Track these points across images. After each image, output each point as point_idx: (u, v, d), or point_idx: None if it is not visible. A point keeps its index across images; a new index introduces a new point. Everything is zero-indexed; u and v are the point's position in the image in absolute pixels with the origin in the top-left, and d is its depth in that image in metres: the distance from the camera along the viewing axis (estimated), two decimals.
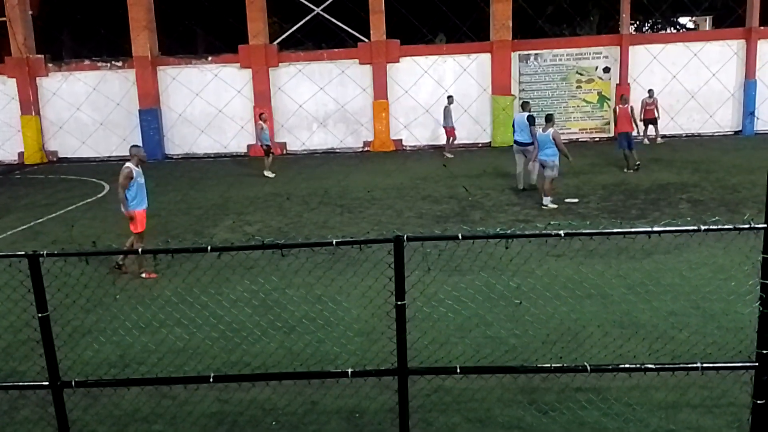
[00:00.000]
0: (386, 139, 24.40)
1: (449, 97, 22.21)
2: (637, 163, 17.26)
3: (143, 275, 9.72)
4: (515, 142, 15.49)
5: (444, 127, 22.27)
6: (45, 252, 4.77)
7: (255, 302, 8.13)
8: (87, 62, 24.80)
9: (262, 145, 19.73)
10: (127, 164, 9.89)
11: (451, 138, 22.18)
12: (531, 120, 14.94)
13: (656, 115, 22.52)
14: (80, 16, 24.85)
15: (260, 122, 19.59)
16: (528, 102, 16.97)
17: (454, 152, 22.32)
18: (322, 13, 24.28)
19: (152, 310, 8.12)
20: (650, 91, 22.64)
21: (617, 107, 18.16)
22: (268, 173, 19.26)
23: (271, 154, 19.58)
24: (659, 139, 22.76)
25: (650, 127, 22.65)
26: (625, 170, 17.23)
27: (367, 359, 6.51)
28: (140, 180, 9.91)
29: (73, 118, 24.86)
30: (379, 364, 5.99)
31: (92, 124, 24.80)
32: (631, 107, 17.97)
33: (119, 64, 24.62)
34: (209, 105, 24.54)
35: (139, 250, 5.42)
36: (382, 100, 24.04)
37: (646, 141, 22.70)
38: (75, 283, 7.01)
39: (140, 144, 10.90)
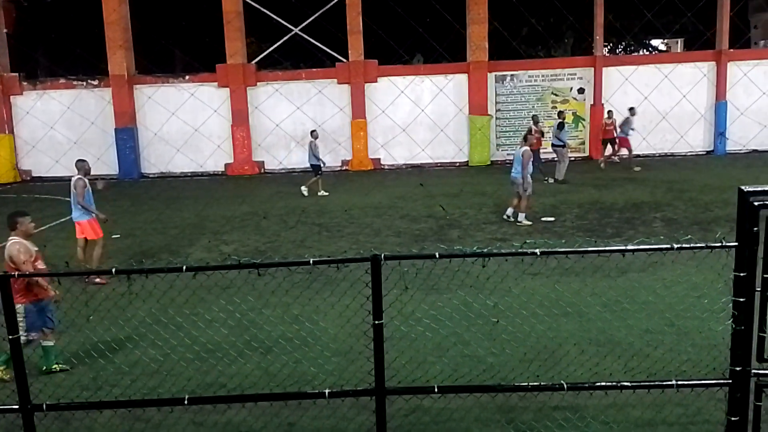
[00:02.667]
0: (364, 158, 24.46)
1: (631, 108, 21.86)
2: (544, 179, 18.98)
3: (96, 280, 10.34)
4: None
5: (619, 137, 21.63)
6: (16, 273, 4.69)
7: (231, 322, 8.05)
8: (62, 81, 24.60)
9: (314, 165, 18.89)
10: (79, 176, 10.81)
11: (625, 149, 21.51)
12: (560, 126, 19.50)
13: (615, 135, 22.95)
14: (55, 35, 24.69)
15: (311, 140, 18.91)
16: (561, 111, 21.16)
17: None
18: (300, 33, 24.39)
19: (125, 331, 8.01)
20: (609, 112, 23.12)
21: (531, 128, 19.04)
22: (321, 192, 18.70)
23: (318, 174, 18.79)
24: (616, 158, 23.16)
25: (609, 147, 23.20)
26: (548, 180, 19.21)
27: (344, 379, 6.46)
28: (90, 189, 10.95)
29: (47, 136, 24.57)
30: (357, 385, 5.95)
31: (67, 143, 24.51)
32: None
33: (95, 82, 24.45)
34: (186, 124, 24.42)
35: (113, 270, 5.34)
36: (360, 120, 24.14)
37: (602, 164, 23.13)
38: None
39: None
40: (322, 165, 19.18)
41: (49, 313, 7.19)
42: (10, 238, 7.18)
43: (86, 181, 10.89)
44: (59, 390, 6.44)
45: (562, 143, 19.48)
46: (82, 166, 11.03)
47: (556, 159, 19.86)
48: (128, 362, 7.23)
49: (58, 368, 7.24)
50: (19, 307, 6.82)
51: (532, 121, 20.05)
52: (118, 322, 8.42)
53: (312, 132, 19.45)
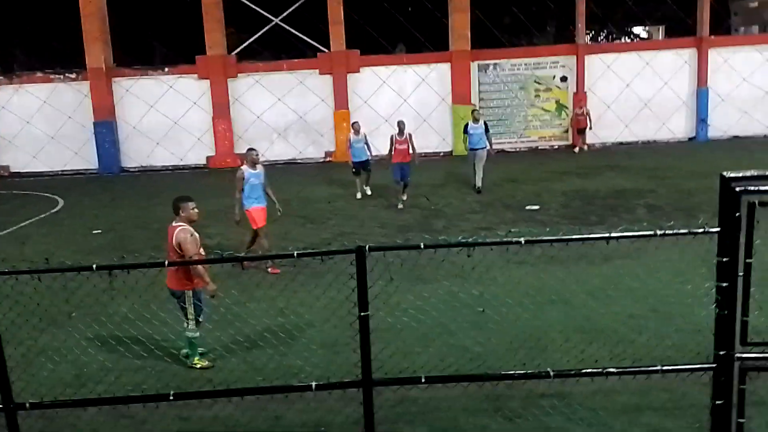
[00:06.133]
0: (348, 149, 24.33)
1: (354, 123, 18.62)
2: (403, 198, 15.53)
3: (269, 270, 10.31)
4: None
5: None
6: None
7: (215, 317, 7.99)
8: (39, 74, 24.19)
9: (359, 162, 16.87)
10: (241, 167, 10.80)
11: None
12: (465, 128, 16.73)
13: (588, 124, 23.19)
14: (31, 28, 24.27)
15: (351, 133, 17.22)
16: (474, 110, 17.72)
17: None
18: (280, 23, 24.19)
19: (108, 328, 7.91)
20: (581, 103, 23.39)
21: (393, 136, 16.00)
22: (366, 190, 17.14)
23: (364, 172, 17.10)
24: (585, 147, 23.35)
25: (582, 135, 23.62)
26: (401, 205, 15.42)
27: (330, 372, 6.44)
28: (253, 180, 10.69)
29: (24, 131, 24.18)
30: (343, 377, 5.93)
31: (44, 138, 24.14)
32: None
33: (73, 76, 24.08)
34: (166, 117, 24.13)
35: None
36: (343, 110, 24.00)
37: (576, 150, 23.31)
38: (27, 301, 6.78)
39: (254, 149, 10.35)
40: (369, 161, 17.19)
41: (202, 303, 7.21)
42: (178, 223, 7.14)
43: (244, 172, 10.60)
44: (42, 388, 6.36)
45: (474, 147, 16.53)
46: (248, 154, 10.80)
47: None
48: (112, 358, 7.16)
49: (201, 364, 7.14)
50: (189, 293, 6.93)
51: (397, 129, 16.15)
52: (101, 319, 8.32)
53: (353, 124, 17.55)
